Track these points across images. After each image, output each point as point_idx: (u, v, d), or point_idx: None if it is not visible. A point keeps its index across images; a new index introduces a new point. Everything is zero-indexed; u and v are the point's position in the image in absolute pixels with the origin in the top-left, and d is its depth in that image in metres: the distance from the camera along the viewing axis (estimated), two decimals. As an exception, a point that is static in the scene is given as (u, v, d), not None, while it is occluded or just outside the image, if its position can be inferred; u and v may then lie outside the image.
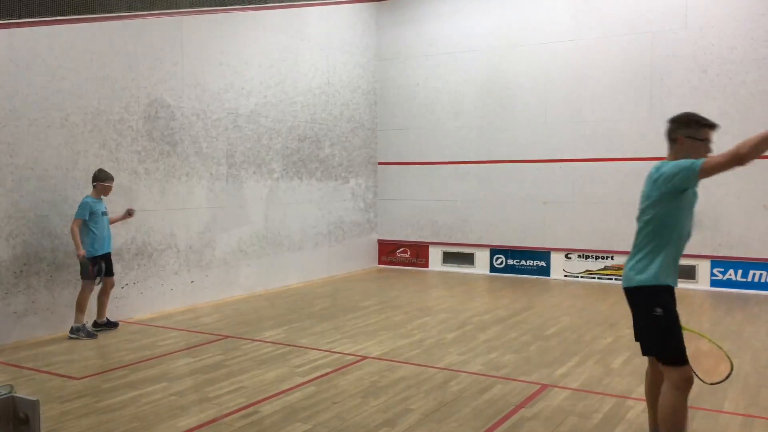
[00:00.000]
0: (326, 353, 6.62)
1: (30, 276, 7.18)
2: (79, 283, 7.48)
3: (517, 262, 11.89)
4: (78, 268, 7.38)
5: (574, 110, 11.30)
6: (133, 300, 8.37)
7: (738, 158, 3.32)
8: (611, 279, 11.04)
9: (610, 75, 10.98)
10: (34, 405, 1.99)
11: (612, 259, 11.03)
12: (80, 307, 7.28)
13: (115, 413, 4.92)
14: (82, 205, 7.25)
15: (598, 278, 11.16)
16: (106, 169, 7.72)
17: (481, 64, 12.16)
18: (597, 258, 11.18)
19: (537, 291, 10.42)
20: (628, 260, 3.94)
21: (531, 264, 11.77)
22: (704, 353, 4.08)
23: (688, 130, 3.95)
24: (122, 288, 8.22)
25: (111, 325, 7.70)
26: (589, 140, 11.16)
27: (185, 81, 9.09)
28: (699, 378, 3.88)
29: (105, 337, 7.33)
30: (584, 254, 11.29)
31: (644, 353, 3.98)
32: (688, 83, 10.38)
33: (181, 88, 9.03)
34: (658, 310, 3.78)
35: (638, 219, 3.95)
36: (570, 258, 11.42)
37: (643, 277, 3.81)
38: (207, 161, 9.43)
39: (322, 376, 5.83)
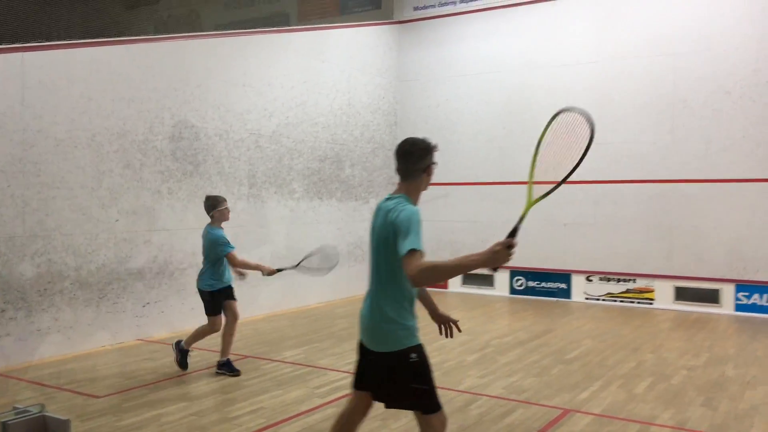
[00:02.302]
0: (346, 374, 6.60)
1: (54, 294, 7.26)
2: (101, 301, 7.55)
3: (537, 284, 11.79)
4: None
5: (596, 132, 11.21)
6: (154, 318, 8.42)
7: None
8: (633, 302, 10.89)
9: (633, 96, 10.94)
10: (66, 424, 2.01)
11: (634, 282, 10.89)
12: (197, 337, 6.66)
13: (136, 432, 4.94)
14: (222, 237, 6.58)
15: (620, 301, 11.02)
16: (131, 188, 7.82)
17: (501, 86, 12.18)
18: (618, 281, 11.05)
19: (558, 313, 10.31)
20: (368, 313, 3.33)
21: (552, 286, 11.66)
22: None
23: (433, 157, 3.43)
24: (143, 307, 8.28)
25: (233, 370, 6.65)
26: (611, 162, 11.09)
27: (209, 102, 9.21)
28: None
29: (126, 356, 7.38)
30: (606, 277, 11.17)
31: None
32: (711, 105, 10.30)
33: (205, 109, 9.16)
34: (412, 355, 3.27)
35: (376, 257, 3.33)
36: (591, 280, 11.30)
37: None
38: (229, 181, 9.52)
39: (341, 397, 5.80)
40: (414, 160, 3.35)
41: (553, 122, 3.49)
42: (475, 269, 3.02)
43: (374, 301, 3.29)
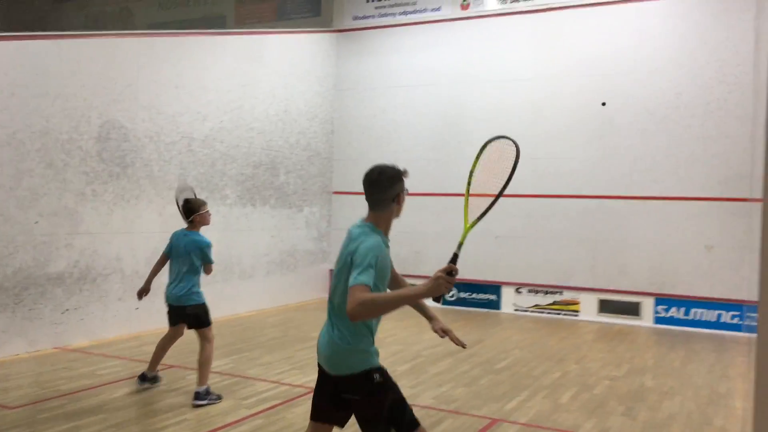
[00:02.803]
0: (275, 384, 6.49)
1: (-36, 298, 6.85)
2: (17, 307, 7.17)
3: (469, 295, 11.96)
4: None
5: (528, 147, 11.40)
6: (73, 326, 8.05)
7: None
8: (560, 314, 11.19)
9: (564, 114, 11.28)
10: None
11: (561, 294, 11.19)
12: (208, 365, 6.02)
13: (50, 445, 4.69)
14: (209, 245, 6.10)
15: (547, 313, 11.30)
16: (53, 189, 7.47)
17: (438, 98, 12.34)
18: (546, 293, 11.34)
19: (487, 324, 10.47)
20: (327, 339, 3.25)
21: (482, 297, 11.85)
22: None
23: (403, 184, 3.32)
24: (62, 314, 7.90)
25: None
26: (542, 177, 11.39)
27: (139, 102, 8.93)
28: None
29: (43, 365, 7.02)
30: (534, 289, 11.43)
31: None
32: (637, 125, 10.74)
33: (135, 109, 8.87)
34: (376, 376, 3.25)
35: (333, 287, 3.28)
36: (520, 292, 11.55)
37: None
38: (158, 185, 9.24)
39: (269, 408, 5.69)
40: (382, 188, 3.23)
41: (482, 152, 3.57)
42: (419, 300, 3.09)
43: (333, 325, 3.21)
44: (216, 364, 7.30)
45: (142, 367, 7.02)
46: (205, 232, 9.70)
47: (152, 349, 7.97)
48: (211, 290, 10.15)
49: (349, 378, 3.14)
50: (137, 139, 8.89)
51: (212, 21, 14.70)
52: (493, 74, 11.87)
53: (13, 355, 7.31)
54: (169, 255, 6.18)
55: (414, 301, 2.98)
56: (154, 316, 9.13)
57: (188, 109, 9.72)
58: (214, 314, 10.16)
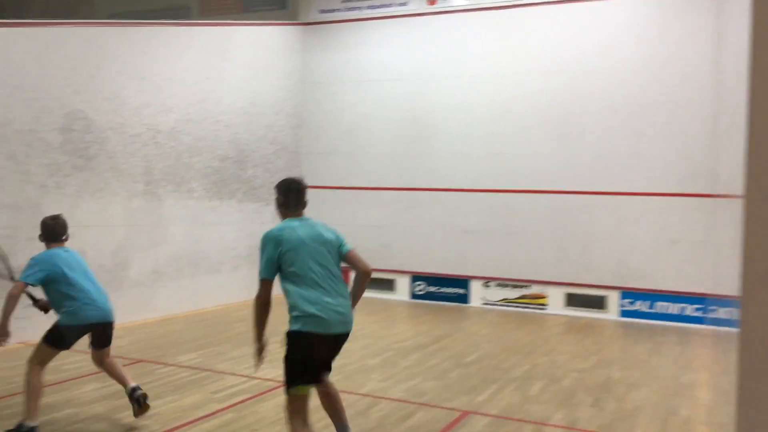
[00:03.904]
0: (245, 378, 6.42)
1: None
2: None
3: (437, 288, 12.01)
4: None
5: (494, 143, 11.63)
6: (37, 321, 7.82)
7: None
8: (528, 308, 11.32)
9: (530, 110, 11.39)
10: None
11: (529, 288, 11.32)
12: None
13: (14, 443, 4.56)
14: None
15: (516, 306, 11.42)
16: (13, 180, 7.26)
17: (405, 93, 12.34)
18: (514, 287, 11.46)
19: (456, 318, 10.54)
20: (342, 303, 4.12)
21: (451, 291, 11.92)
22: None
23: None
24: (25, 308, 7.67)
25: None
26: (508, 172, 11.49)
27: (103, 94, 8.73)
28: None
29: (7, 360, 6.82)
30: (502, 282, 11.55)
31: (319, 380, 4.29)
32: (602, 122, 10.90)
33: (98, 101, 8.67)
34: None
35: (326, 265, 4.15)
36: (489, 286, 11.65)
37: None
38: (123, 177, 9.05)
39: (240, 402, 5.64)
40: (300, 193, 4.49)
41: None
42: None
43: (339, 293, 4.11)
44: (185, 358, 7.21)
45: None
46: (168, 225, 9.59)
47: (119, 343, 7.81)
48: (178, 285, 10.05)
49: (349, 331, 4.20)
50: (101, 131, 8.69)
51: (177, 12, 14.44)
52: (459, 70, 11.92)
53: (-28, 351, 7.08)
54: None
55: None
56: (121, 311, 8.93)
57: (153, 100, 9.54)
58: (183, 309, 10.09)
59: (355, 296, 4.31)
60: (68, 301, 4.86)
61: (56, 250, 5.03)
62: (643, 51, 10.68)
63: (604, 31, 10.93)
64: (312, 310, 4.00)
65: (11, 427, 4.68)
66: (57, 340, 4.92)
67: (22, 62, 7.68)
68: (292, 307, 4.08)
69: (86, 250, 8.44)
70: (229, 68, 11.13)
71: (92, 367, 6.66)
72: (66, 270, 4.90)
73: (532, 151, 11.35)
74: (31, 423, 4.65)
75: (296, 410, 4.00)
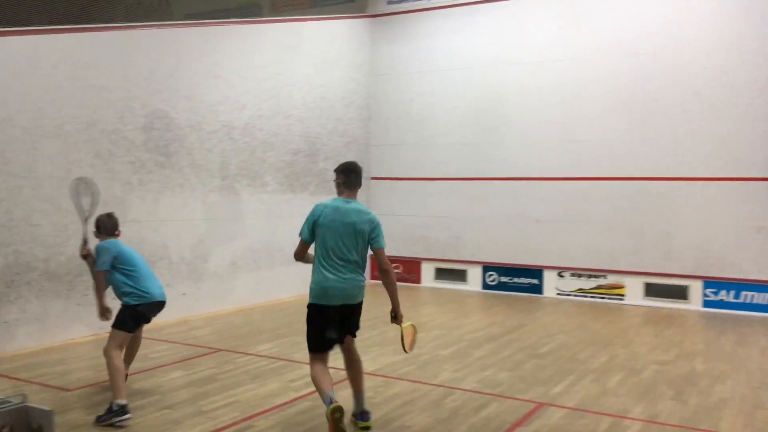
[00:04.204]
0: (320, 368, 6.55)
1: (21, 286, 7.08)
2: (71, 293, 7.38)
3: (509, 279, 11.88)
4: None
5: (567, 129, 11.37)
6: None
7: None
8: (604, 298, 11.05)
9: (604, 95, 11.07)
10: (49, 415, 1.95)
11: (605, 278, 11.04)
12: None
13: (108, 428, 4.83)
14: None
15: (591, 297, 11.16)
16: (101, 179, 7.65)
17: (474, 82, 12.22)
18: (590, 277, 11.20)
19: (530, 309, 10.40)
20: (346, 278, 4.67)
21: (524, 281, 11.77)
22: (409, 334, 5.08)
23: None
24: (113, 299, 8.09)
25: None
26: (581, 159, 11.22)
27: (180, 93, 9.06)
28: (405, 349, 5.00)
29: (97, 348, 7.21)
30: (577, 273, 11.30)
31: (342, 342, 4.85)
32: (681, 105, 10.47)
33: (176, 99, 9.00)
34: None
35: (346, 247, 4.67)
36: (563, 276, 11.42)
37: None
38: (201, 173, 9.39)
39: (315, 391, 5.75)
40: (359, 175, 4.89)
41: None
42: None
43: (350, 271, 4.67)
44: (263, 347, 7.44)
45: (193, 351, 7.21)
46: (245, 218, 9.87)
47: (200, 333, 8.15)
48: (255, 276, 10.35)
49: (360, 302, 4.80)
50: (179, 129, 9.03)
51: (249, 10, 14.77)
52: (529, 56, 11.70)
53: (70, 339, 7.54)
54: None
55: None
56: (201, 302, 9.33)
57: (227, 98, 9.83)
58: (260, 299, 10.38)
59: (390, 296, 4.77)
60: (131, 282, 5.36)
61: (114, 240, 5.51)
62: (722, 28, 10.19)
63: (682, 10, 10.48)
64: (317, 284, 4.66)
65: (101, 413, 4.95)
66: (124, 322, 5.37)
67: (106, 65, 8.06)
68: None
69: (168, 244, 8.85)
70: (300, 63, 11.32)
71: (178, 355, 7.00)
72: (127, 255, 5.41)
73: (607, 137, 11.04)
74: (120, 401, 4.94)
75: (313, 364, 4.69)
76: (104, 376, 6.12)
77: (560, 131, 11.41)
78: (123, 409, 4.90)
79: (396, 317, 4.83)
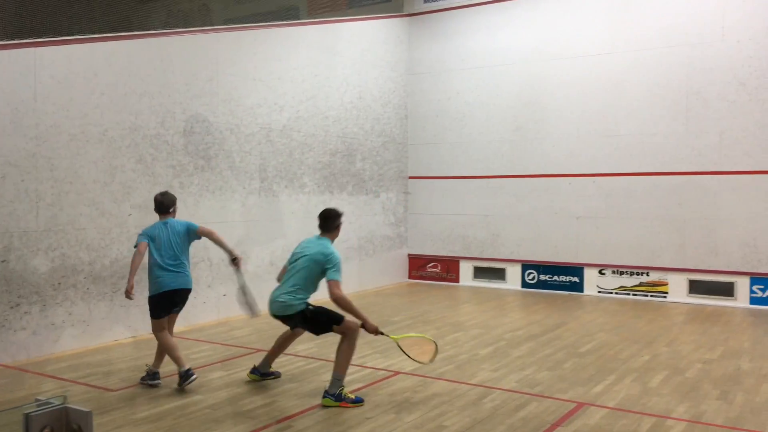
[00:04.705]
0: (358, 368, 6.60)
1: (67, 288, 7.30)
2: (115, 295, 7.58)
3: (549, 277, 11.75)
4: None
5: (608, 124, 11.18)
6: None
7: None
8: (647, 296, 10.83)
9: (646, 88, 10.84)
10: (87, 416, 2.03)
11: (647, 275, 10.82)
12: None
13: (151, 425, 4.96)
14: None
15: (633, 294, 10.95)
16: (143, 182, 7.84)
17: (513, 78, 12.11)
18: (632, 274, 10.99)
19: (570, 307, 10.27)
20: (281, 294, 5.78)
21: (564, 280, 11.62)
22: (411, 344, 5.74)
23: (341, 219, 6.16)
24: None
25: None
26: (624, 154, 11.02)
27: (219, 96, 9.22)
28: (416, 361, 5.70)
29: (141, 350, 7.41)
30: (618, 270, 11.10)
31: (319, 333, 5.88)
32: (726, 97, 10.20)
33: (216, 103, 9.16)
34: (311, 307, 5.76)
35: (298, 273, 5.80)
36: (604, 274, 11.24)
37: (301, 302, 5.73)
38: (240, 175, 9.53)
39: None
40: (332, 221, 6.06)
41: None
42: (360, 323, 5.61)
43: (292, 287, 5.74)
44: (301, 347, 7.50)
45: (233, 351, 7.33)
46: (284, 219, 9.99)
47: (240, 334, 8.28)
48: (294, 277, 10.44)
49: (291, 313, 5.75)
50: (219, 132, 9.19)
51: (286, 12, 14.94)
52: (569, 50, 11.54)
53: (114, 340, 7.75)
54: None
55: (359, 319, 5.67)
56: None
57: (266, 100, 9.95)
58: (297, 300, 10.45)
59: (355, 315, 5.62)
60: (153, 269, 6.04)
61: (158, 223, 6.15)
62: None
63: (727, 1, 10.18)
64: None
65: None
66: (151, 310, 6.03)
67: (147, 71, 8.25)
68: None
69: (208, 246, 8.97)
70: (337, 64, 11.39)
71: (219, 355, 7.12)
72: (154, 240, 6.03)
73: (648, 131, 10.81)
74: (183, 368, 5.76)
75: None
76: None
77: (602, 126, 11.22)
78: (187, 373, 5.74)
79: (366, 327, 5.58)
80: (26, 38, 7.31)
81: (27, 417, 2.16)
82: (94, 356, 7.11)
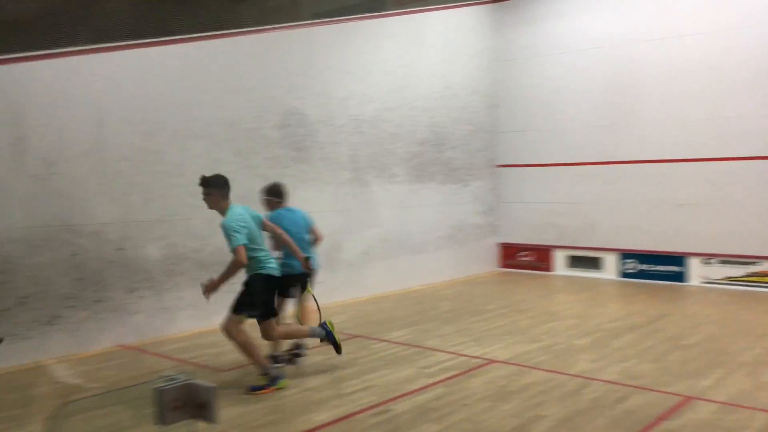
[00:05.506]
0: (453, 355, 6.62)
1: (177, 275, 7.71)
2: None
3: (649, 267, 11.31)
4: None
5: (710, 106, 10.61)
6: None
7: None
8: (756, 286, 10.24)
9: (747, 68, 10.21)
10: (211, 391, 2.16)
11: (757, 264, 10.23)
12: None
13: (256, 405, 5.18)
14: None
15: (742, 285, 10.38)
16: (242, 174, 8.15)
17: (605, 61, 11.71)
18: (740, 264, 10.41)
19: (672, 298, 9.87)
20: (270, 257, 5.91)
21: (665, 269, 11.15)
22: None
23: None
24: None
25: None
26: (726, 139, 10.44)
27: (312, 90, 9.43)
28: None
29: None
30: (725, 260, 10.55)
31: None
32: None
33: (308, 96, 9.38)
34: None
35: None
36: (709, 263, 10.71)
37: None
38: (332, 166, 9.72)
39: (449, 378, 5.83)
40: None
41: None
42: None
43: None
44: (396, 334, 7.61)
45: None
46: (375, 209, 10.11)
47: (336, 320, 8.44)
48: (386, 265, 10.58)
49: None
50: (312, 124, 9.41)
51: (373, 4, 15.02)
52: (664, 31, 11.02)
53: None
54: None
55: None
56: (336, 290, 9.65)
57: (355, 92, 10.09)
58: (391, 288, 10.61)
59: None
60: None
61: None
62: None
63: None
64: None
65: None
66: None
67: (243, 67, 8.56)
68: None
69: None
70: (424, 53, 11.39)
71: (315, 341, 7.30)
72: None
73: (754, 113, 10.19)
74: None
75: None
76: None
77: (704, 108, 10.67)
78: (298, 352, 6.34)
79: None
80: (133, 39, 7.73)
81: (158, 391, 2.32)
82: (206, 338, 7.47)
